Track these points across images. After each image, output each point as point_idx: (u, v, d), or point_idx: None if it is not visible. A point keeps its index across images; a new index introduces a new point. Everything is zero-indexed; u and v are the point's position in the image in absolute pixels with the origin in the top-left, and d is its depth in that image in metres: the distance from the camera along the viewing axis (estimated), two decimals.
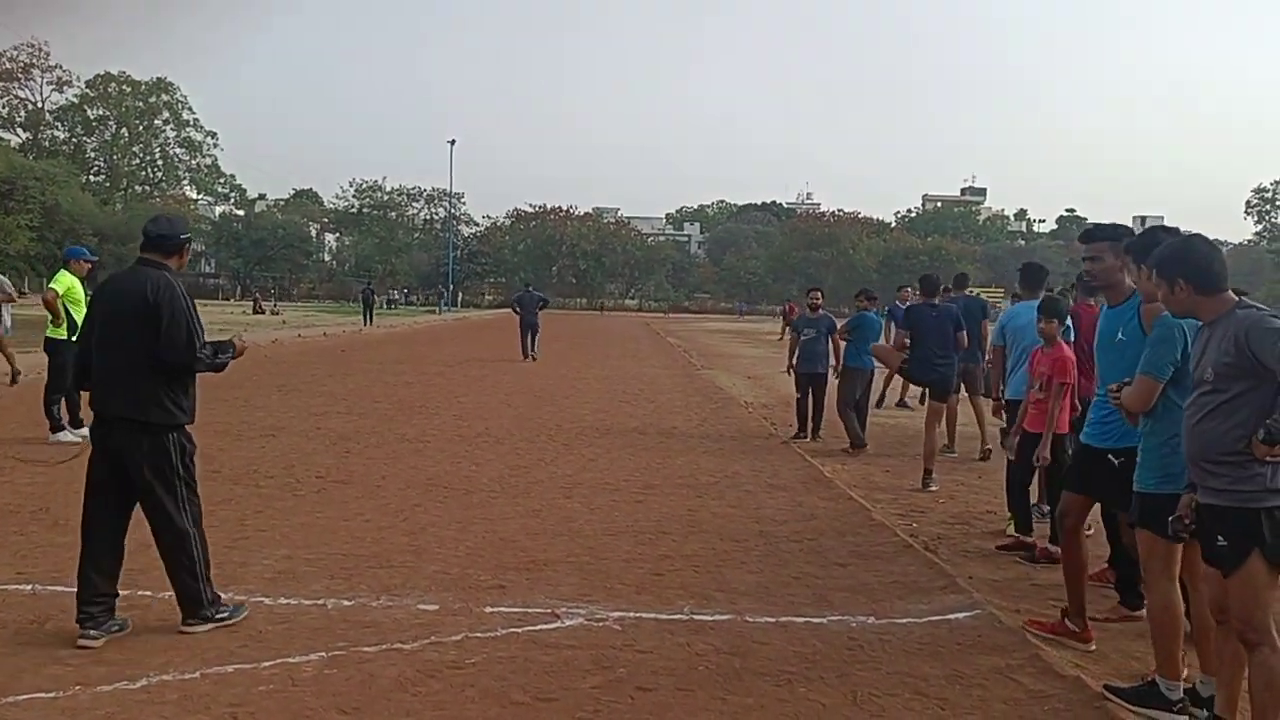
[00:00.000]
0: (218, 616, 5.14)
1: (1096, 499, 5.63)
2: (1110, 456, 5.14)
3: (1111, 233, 5.32)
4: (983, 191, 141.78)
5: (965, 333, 11.09)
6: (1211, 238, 4.58)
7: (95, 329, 5.22)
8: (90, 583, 4.98)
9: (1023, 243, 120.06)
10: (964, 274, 15.57)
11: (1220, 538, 3.88)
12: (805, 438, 12.82)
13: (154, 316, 5.02)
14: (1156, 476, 4.47)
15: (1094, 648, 5.20)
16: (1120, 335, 5.04)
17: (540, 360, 25.79)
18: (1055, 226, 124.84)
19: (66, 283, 11.06)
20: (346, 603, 5.62)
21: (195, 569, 5.13)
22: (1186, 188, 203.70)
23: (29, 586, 5.70)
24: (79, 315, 10.83)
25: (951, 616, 5.73)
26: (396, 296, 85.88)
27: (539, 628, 5.32)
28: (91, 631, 4.89)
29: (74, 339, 10.72)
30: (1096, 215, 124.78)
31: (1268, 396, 3.72)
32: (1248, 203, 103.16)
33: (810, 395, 12.97)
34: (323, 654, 4.82)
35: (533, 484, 9.30)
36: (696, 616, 5.61)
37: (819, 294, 14.18)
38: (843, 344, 12.89)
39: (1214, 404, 3.87)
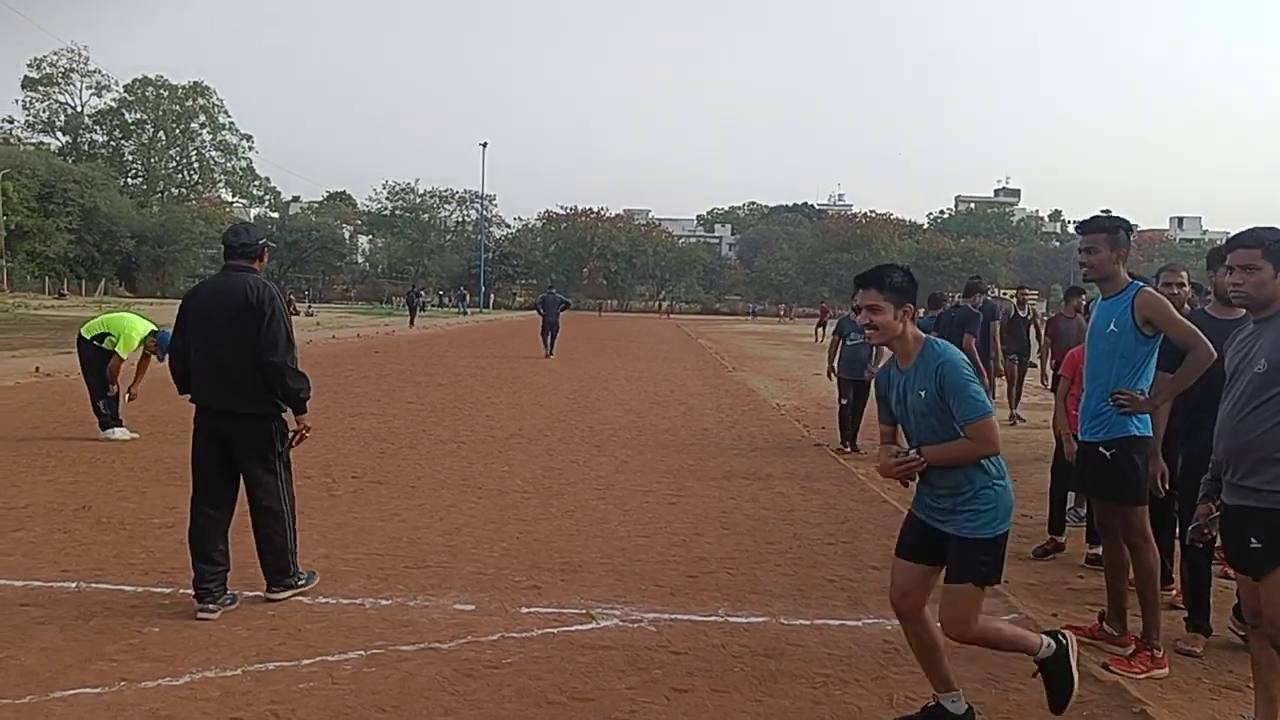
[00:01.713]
0: (299, 584, 5.68)
1: (1092, 495, 5.67)
2: (1102, 449, 5.18)
3: (1108, 224, 5.25)
4: (1017, 192, 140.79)
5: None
6: None
7: (197, 330, 5.63)
8: (204, 561, 5.42)
9: (1058, 244, 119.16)
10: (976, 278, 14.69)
11: (1254, 540, 3.82)
12: (849, 449, 12.06)
13: (257, 315, 5.49)
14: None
15: (1132, 649, 5.15)
16: (1112, 326, 5.12)
17: (570, 361, 26.08)
18: None
19: (130, 347, 11.15)
20: (384, 602, 5.67)
21: (285, 542, 5.65)
22: (1225, 187, 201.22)
23: (73, 584, 5.79)
24: (116, 344, 10.96)
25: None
26: (426, 299, 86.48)
27: (574, 628, 5.35)
28: (210, 605, 5.34)
29: (96, 341, 10.94)
30: (1132, 216, 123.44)
31: None
32: None
33: (852, 399, 12.32)
34: (361, 652, 4.87)
35: (566, 485, 9.34)
36: (731, 618, 5.62)
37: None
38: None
39: (1264, 397, 3.81)
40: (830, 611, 5.82)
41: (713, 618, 5.62)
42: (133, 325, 11.28)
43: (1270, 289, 3.94)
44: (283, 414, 5.71)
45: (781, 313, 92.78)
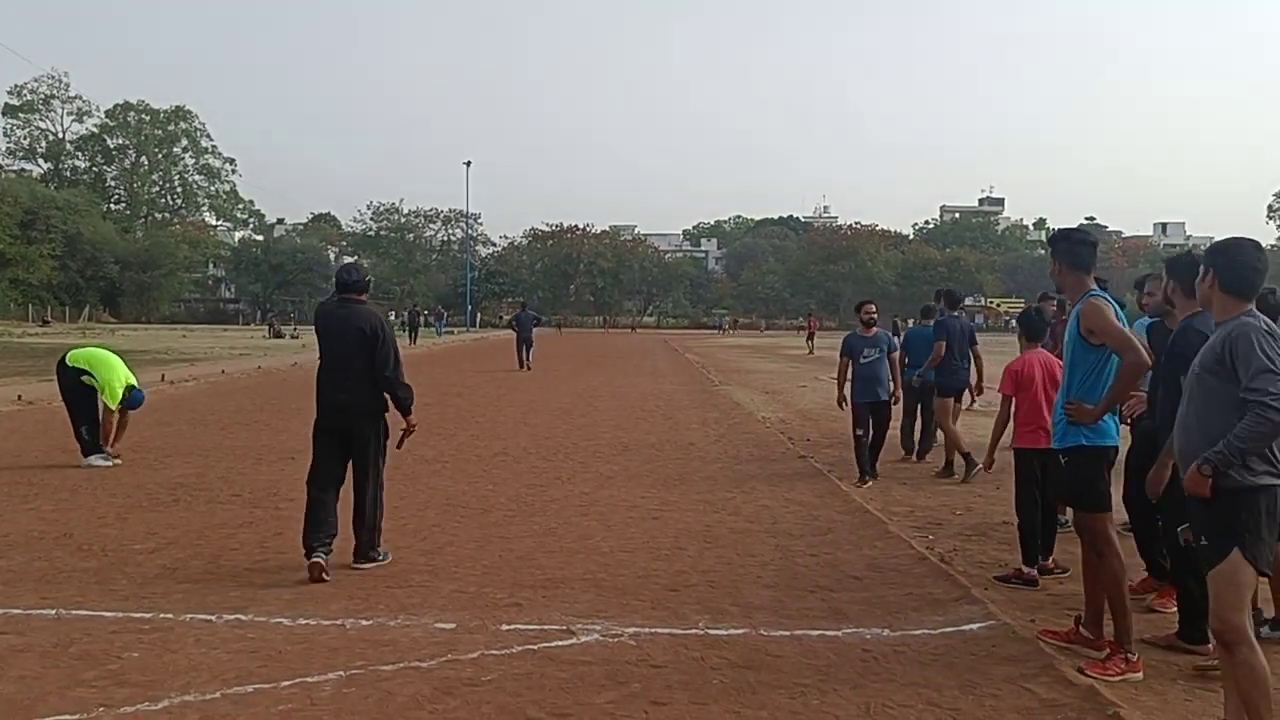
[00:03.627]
0: (380, 559, 6.89)
1: (1052, 498, 6.13)
2: (1061, 456, 5.40)
3: (1053, 239, 5.70)
4: (1001, 201, 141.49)
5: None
6: None
7: (326, 345, 7.14)
8: (315, 532, 6.71)
9: (1042, 252, 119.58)
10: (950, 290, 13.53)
11: (1203, 538, 3.94)
12: (870, 481, 10.76)
13: (373, 339, 6.93)
14: None
15: (1106, 653, 5.20)
16: (1067, 336, 5.37)
17: (557, 378, 26.28)
18: None
19: (116, 399, 11.16)
20: (365, 622, 5.68)
21: (376, 520, 6.93)
22: (1209, 193, 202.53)
23: (53, 611, 5.78)
24: (98, 387, 11.02)
25: (966, 628, 5.75)
26: (394, 319, 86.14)
27: (554, 644, 5.37)
28: (318, 553, 6.58)
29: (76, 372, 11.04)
30: (1118, 224, 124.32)
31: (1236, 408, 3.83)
32: (1269, 207, 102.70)
33: (872, 428, 10.91)
34: (341, 673, 4.88)
35: (549, 502, 9.36)
36: (711, 631, 5.64)
37: (874, 307, 11.60)
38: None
39: (1200, 398, 3.98)
40: (810, 622, 5.85)
41: (693, 631, 5.64)
42: (115, 373, 11.24)
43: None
44: (386, 414, 7.05)
45: (726, 327, 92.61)
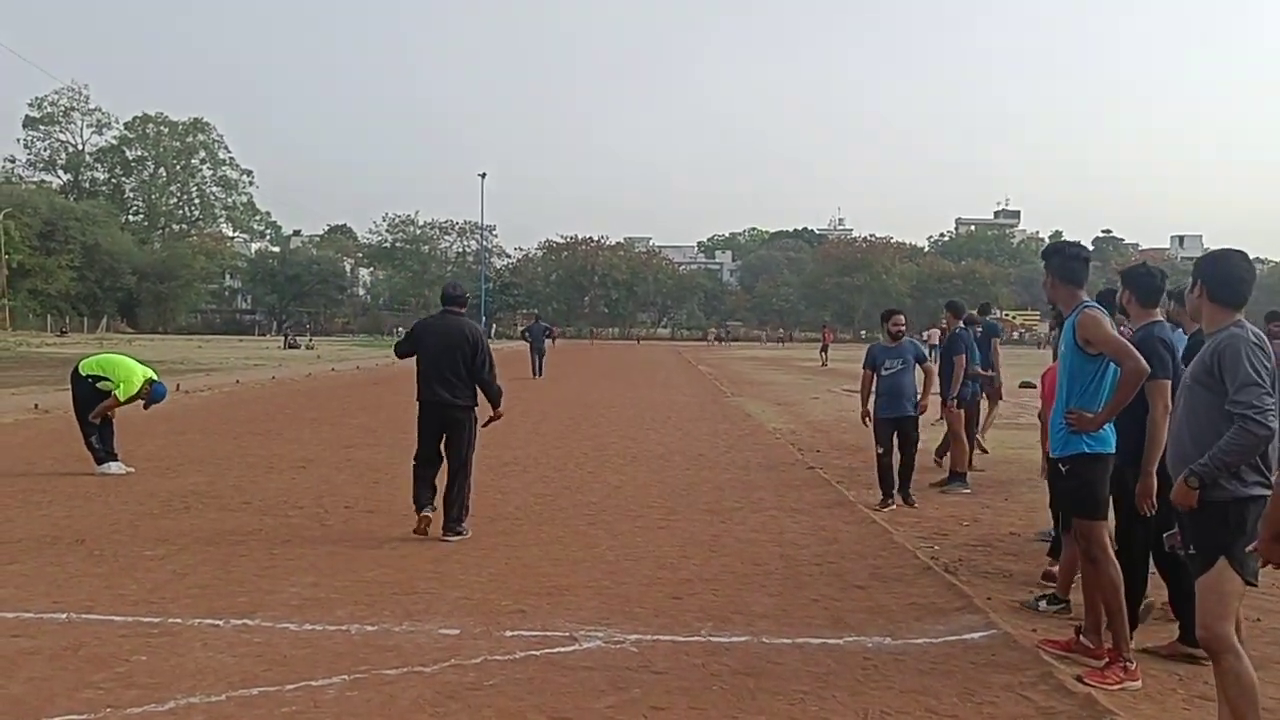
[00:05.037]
0: (464, 533, 8.15)
1: (1058, 508, 6.07)
2: (1061, 465, 5.43)
3: (1044, 253, 5.77)
4: (1016, 214, 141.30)
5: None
6: (1251, 257, 4.70)
7: (429, 351, 8.39)
8: (423, 494, 8.23)
9: None
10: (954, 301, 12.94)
11: (1192, 547, 3.98)
12: (893, 504, 9.97)
13: (473, 347, 8.32)
14: None
15: (1104, 662, 5.21)
16: (1062, 347, 5.43)
17: (570, 389, 26.34)
18: (1092, 249, 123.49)
19: (130, 392, 11.26)
20: (370, 628, 5.74)
21: (466, 498, 8.30)
22: (1226, 206, 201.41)
23: (64, 615, 5.86)
24: (115, 388, 11.10)
25: (967, 636, 5.77)
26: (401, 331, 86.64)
27: (557, 650, 5.42)
28: (427, 509, 8.15)
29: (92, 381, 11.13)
30: (1134, 236, 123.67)
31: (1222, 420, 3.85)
32: None
33: (897, 445, 10.10)
34: (345, 677, 4.94)
35: (557, 511, 9.41)
36: (713, 638, 5.68)
37: (902, 317, 10.61)
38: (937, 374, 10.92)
39: (1190, 409, 4.00)
40: (812, 630, 5.88)
41: (695, 638, 5.68)
42: (132, 370, 11.36)
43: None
44: (476, 408, 8.40)
45: (712, 338, 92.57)
